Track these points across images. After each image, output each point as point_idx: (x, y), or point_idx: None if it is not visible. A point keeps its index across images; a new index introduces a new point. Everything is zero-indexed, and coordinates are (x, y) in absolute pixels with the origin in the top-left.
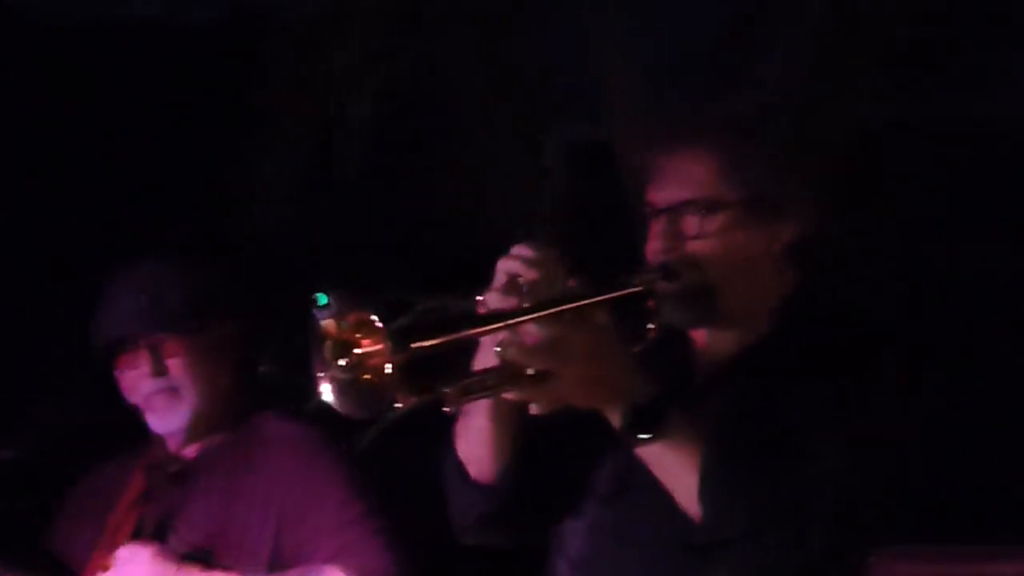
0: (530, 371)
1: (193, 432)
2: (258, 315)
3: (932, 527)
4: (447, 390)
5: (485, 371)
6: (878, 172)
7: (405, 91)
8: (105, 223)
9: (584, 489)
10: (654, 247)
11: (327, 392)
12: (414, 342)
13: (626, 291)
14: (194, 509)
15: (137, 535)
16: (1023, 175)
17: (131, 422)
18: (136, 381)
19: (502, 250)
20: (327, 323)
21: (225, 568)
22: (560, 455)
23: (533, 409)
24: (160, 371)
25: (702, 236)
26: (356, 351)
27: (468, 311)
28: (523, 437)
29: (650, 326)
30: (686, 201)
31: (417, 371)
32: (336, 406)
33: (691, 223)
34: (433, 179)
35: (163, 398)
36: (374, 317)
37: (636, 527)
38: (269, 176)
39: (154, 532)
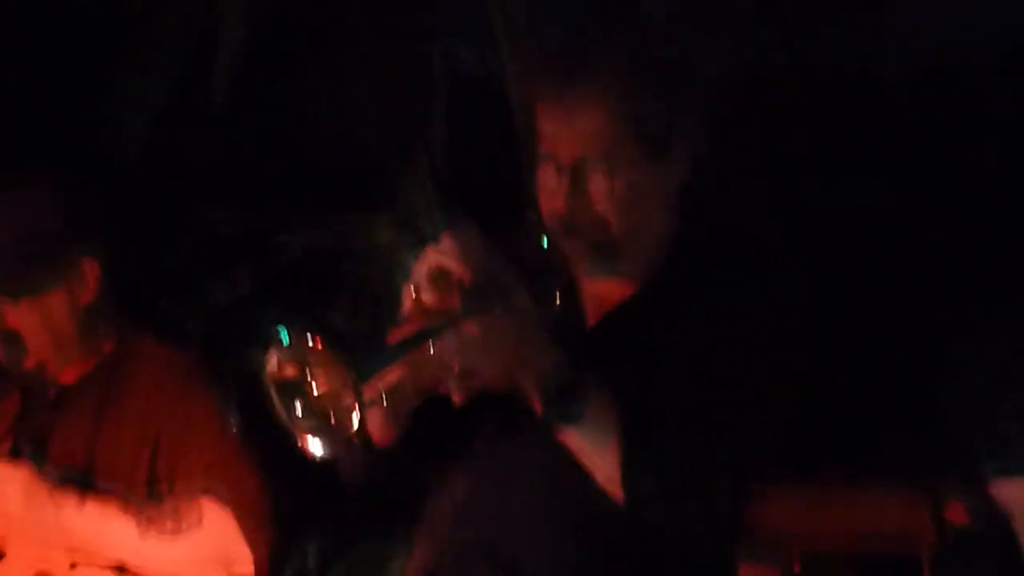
0: (456, 367)
1: (38, 374)
2: (119, 244)
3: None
4: (381, 394)
5: (411, 374)
6: (761, 112)
7: (278, 11)
8: None
9: (469, 432)
10: (555, 205)
11: (313, 446)
12: (377, 381)
13: (544, 270)
14: (70, 432)
15: (13, 457)
16: (899, 119)
17: None
18: None
19: (379, 173)
20: (282, 364)
21: (102, 491)
22: (448, 425)
23: (455, 397)
24: None
25: (608, 192)
26: (315, 389)
27: (414, 330)
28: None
29: (557, 293)
30: (588, 156)
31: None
32: (318, 453)
33: (596, 181)
34: (307, 101)
35: (4, 345)
36: (332, 353)
37: (522, 486)
38: (140, 99)
39: (30, 455)
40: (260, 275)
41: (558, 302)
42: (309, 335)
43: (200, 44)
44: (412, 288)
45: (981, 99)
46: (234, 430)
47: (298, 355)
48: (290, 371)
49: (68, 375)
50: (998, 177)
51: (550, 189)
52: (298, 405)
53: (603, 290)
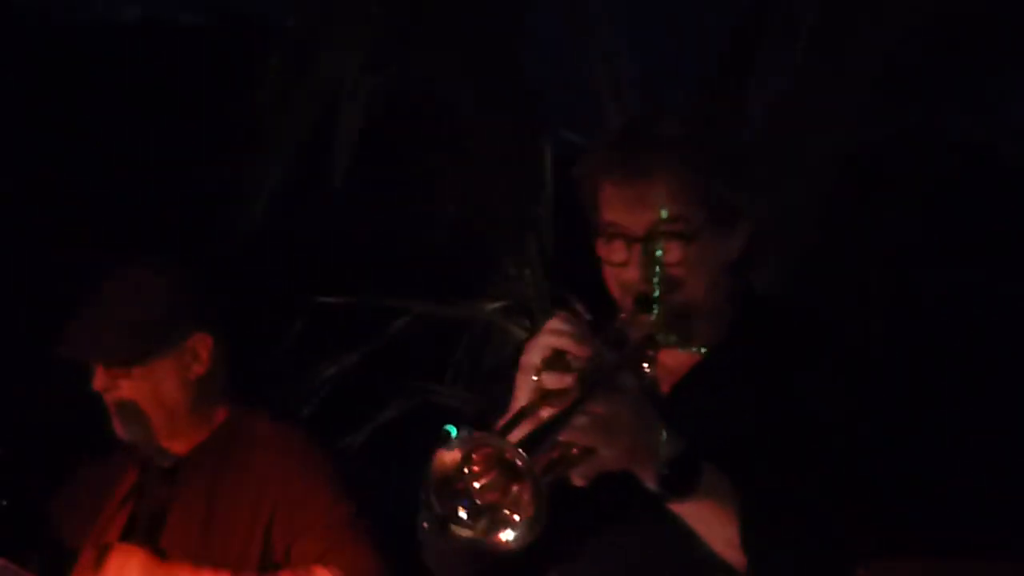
0: (575, 449)
1: (152, 443)
2: (228, 324)
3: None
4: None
5: (549, 461)
6: (860, 189)
7: (396, 101)
8: (89, 226)
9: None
10: (629, 276)
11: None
12: (539, 454)
13: (643, 348)
14: (185, 506)
15: (129, 531)
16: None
17: None
18: (98, 391)
19: (492, 260)
20: (449, 457)
21: (215, 567)
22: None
23: (576, 480)
24: (108, 389)
25: (679, 262)
26: (477, 485)
27: (548, 416)
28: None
29: (646, 366)
30: (659, 226)
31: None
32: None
33: (669, 249)
34: (421, 189)
35: (120, 415)
36: (504, 447)
37: (652, 557)
38: (259, 183)
39: (146, 528)
40: (371, 356)
41: (649, 375)
42: (472, 430)
43: (320, 130)
44: (529, 371)
45: None
46: (352, 509)
47: (466, 449)
48: (455, 465)
49: (180, 445)
50: None
51: (619, 262)
52: (461, 508)
53: (671, 360)
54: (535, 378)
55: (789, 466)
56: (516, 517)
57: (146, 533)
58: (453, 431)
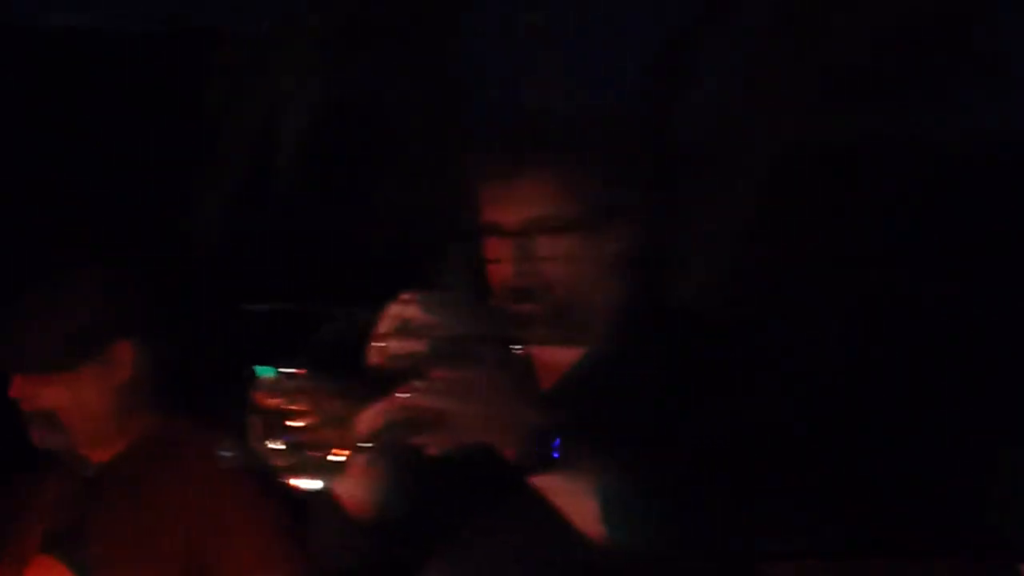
0: (429, 415)
1: (72, 452)
2: (160, 331)
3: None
4: (368, 445)
5: (392, 422)
6: (815, 191)
7: (341, 106)
8: (33, 232)
9: (447, 526)
10: (504, 271)
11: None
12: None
13: (503, 325)
14: (107, 517)
15: (48, 544)
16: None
17: None
18: (17, 403)
19: (437, 260)
20: (261, 397)
21: None
22: (427, 494)
23: (430, 450)
24: (30, 402)
25: (552, 257)
26: (294, 422)
27: (391, 368)
28: (399, 475)
29: (520, 351)
30: (533, 222)
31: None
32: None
33: (541, 245)
34: (367, 192)
35: (39, 424)
36: (315, 383)
37: (513, 554)
38: (206, 189)
39: (66, 541)
40: (306, 361)
41: (520, 357)
42: (296, 368)
43: (263, 139)
44: (376, 339)
45: None
46: (282, 515)
47: (285, 387)
48: (276, 402)
49: (101, 454)
50: None
51: (495, 258)
52: (283, 437)
53: (551, 356)
54: (381, 344)
55: (662, 452)
56: (331, 461)
57: (66, 546)
58: (262, 371)
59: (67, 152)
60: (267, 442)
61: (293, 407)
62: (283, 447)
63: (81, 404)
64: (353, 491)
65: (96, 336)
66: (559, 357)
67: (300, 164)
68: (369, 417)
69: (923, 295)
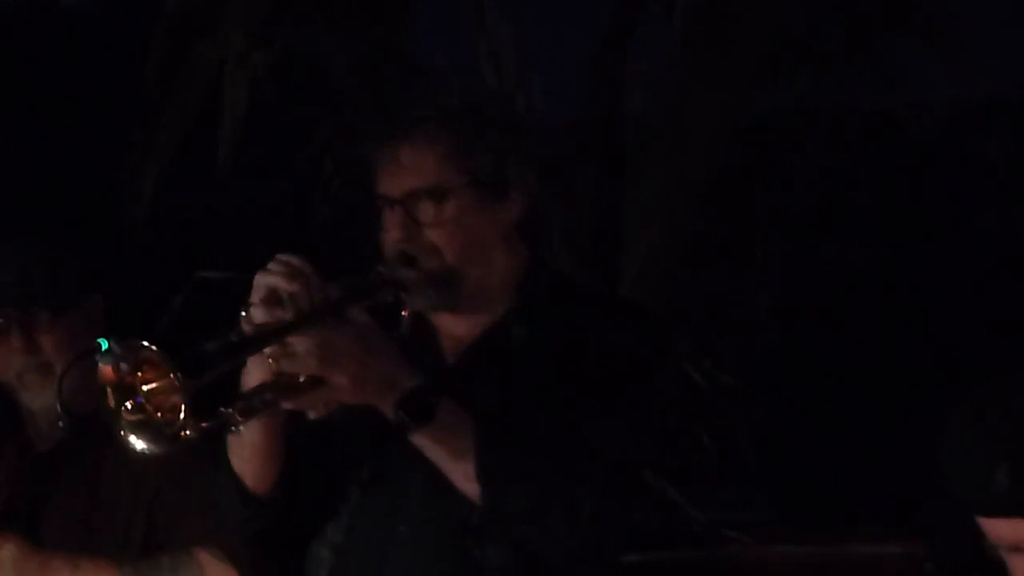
0: (302, 379)
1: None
2: (128, 293)
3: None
4: (231, 412)
5: (261, 387)
6: (753, 160)
7: (279, 78)
8: None
9: (345, 480)
10: (392, 237)
11: (132, 440)
12: (203, 374)
13: (377, 287)
14: (65, 491)
15: (6, 520)
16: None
17: None
18: (6, 358)
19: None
20: (105, 369)
21: (97, 551)
22: (322, 454)
23: (311, 415)
24: (32, 348)
25: (436, 223)
26: (144, 388)
27: (241, 334)
28: (291, 442)
29: (403, 314)
30: (417, 190)
31: (198, 398)
32: (136, 446)
33: (424, 211)
34: (305, 166)
35: (36, 376)
36: (156, 352)
37: (403, 510)
38: (146, 161)
39: (23, 516)
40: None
41: (402, 320)
42: (138, 341)
43: (206, 108)
44: (246, 306)
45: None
46: None
47: (128, 359)
48: (120, 374)
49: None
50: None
51: (387, 225)
52: (127, 403)
53: (456, 327)
54: (249, 312)
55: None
56: (168, 424)
57: (23, 521)
58: (105, 344)
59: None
60: (118, 408)
61: (139, 375)
62: (132, 412)
63: (77, 351)
64: (247, 466)
65: (81, 278)
66: (461, 329)
67: (242, 134)
68: (242, 383)
69: (860, 262)
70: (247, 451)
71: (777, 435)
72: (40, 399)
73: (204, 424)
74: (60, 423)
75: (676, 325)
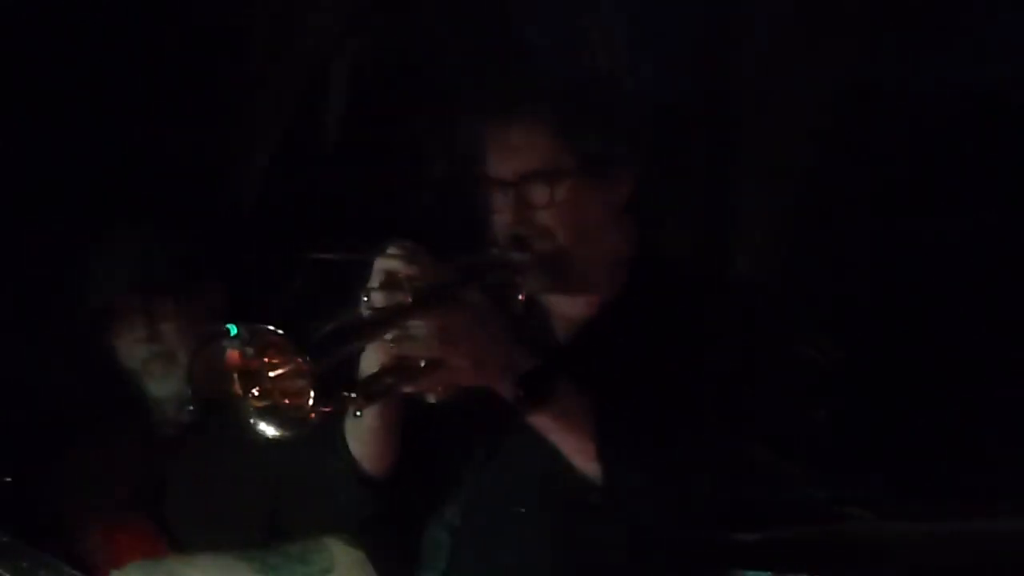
0: (423, 362)
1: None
2: (245, 279)
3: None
4: (354, 396)
5: (381, 371)
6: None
7: (383, 59)
8: (84, 192)
9: (461, 462)
10: (504, 220)
11: (262, 426)
12: (328, 358)
13: (491, 270)
14: (190, 479)
15: (134, 507)
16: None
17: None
18: (130, 347)
19: (479, 220)
20: (232, 354)
21: (223, 539)
22: (438, 437)
23: (430, 398)
24: (155, 336)
25: (548, 205)
26: (271, 374)
27: (362, 317)
28: (408, 427)
29: (519, 297)
30: (529, 172)
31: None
32: (265, 432)
33: (537, 193)
34: (412, 148)
35: (159, 363)
36: (282, 336)
37: (520, 492)
38: (248, 144)
39: (152, 501)
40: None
41: (519, 301)
42: (263, 326)
43: (311, 88)
44: (365, 292)
45: None
46: None
47: (254, 343)
48: (246, 359)
49: (184, 415)
50: None
51: (498, 207)
52: (254, 389)
53: (569, 308)
54: (369, 298)
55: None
56: (294, 409)
57: (150, 507)
58: (233, 329)
59: (113, 115)
60: (245, 394)
61: (265, 360)
62: (259, 398)
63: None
64: (365, 450)
65: (201, 264)
66: (574, 307)
67: (345, 120)
68: (362, 367)
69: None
70: (366, 435)
71: (894, 411)
72: (165, 387)
73: (328, 408)
74: (190, 407)
75: (789, 301)
